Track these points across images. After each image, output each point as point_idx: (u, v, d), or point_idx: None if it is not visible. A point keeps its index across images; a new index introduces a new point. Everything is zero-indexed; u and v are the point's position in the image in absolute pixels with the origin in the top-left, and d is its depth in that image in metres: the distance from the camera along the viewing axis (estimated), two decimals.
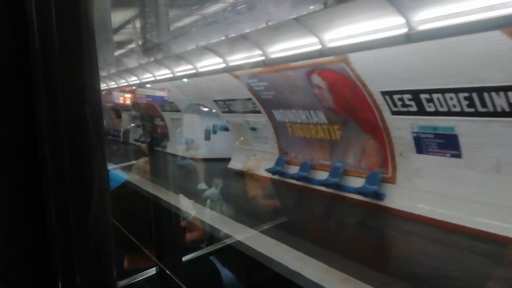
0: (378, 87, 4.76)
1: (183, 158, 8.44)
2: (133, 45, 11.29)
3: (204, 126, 10.76)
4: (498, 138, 4.04)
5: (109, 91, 11.87)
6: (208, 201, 4.07)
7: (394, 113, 4.89)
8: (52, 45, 0.50)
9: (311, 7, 3.79)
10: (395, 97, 4.69)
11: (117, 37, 13.49)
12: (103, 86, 12.99)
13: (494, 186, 4.19)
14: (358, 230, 4.98)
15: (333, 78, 5.20)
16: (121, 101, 11.31)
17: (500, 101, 3.77)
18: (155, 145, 12.36)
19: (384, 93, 4.77)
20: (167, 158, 11.01)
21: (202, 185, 5.13)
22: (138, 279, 1.19)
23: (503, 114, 3.84)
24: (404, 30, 3.22)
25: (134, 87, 9.53)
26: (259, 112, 7.35)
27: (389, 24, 3.32)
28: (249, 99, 7.20)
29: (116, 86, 12.51)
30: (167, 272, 1.11)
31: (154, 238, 1.20)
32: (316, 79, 5.44)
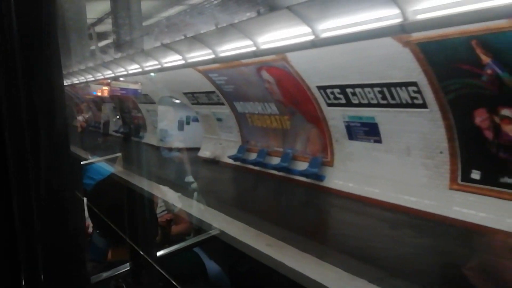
0: (314, 82, 5.49)
1: (170, 150, 8.93)
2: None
3: (177, 117, 11.39)
4: (407, 126, 4.81)
5: (87, 84, 12.42)
6: (195, 194, 3.80)
7: (328, 105, 5.64)
8: (12, 35, 0.48)
9: (247, 14, 4.48)
10: (328, 91, 5.43)
11: (101, 27, 13.77)
12: (81, 79, 13.40)
13: (405, 166, 4.98)
14: (298, 207, 5.74)
15: (279, 74, 5.91)
16: (99, 94, 11.88)
17: (404, 95, 4.54)
18: (132, 136, 12.97)
19: (319, 88, 5.51)
20: (144, 147, 11.69)
21: (189, 178, 5.63)
22: (118, 272, 1.16)
23: (407, 105, 4.61)
24: (311, 37, 3.94)
25: (109, 80, 10.08)
26: (222, 104, 8.04)
27: (300, 32, 4.03)
28: (213, 91, 7.88)
29: (93, 79, 12.89)
30: (143, 264, 1.09)
31: (129, 230, 1.18)
32: (265, 75, 6.15)
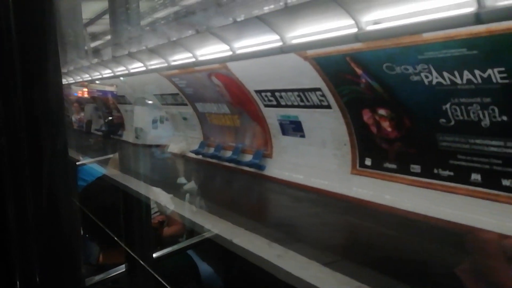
0: (252, 87, 6.56)
1: (163, 151, 9.68)
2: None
3: (152, 116, 12.38)
4: (320, 123, 5.90)
5: (68, 85, 13.38)
6: (187, 195, 4.13)
7: (265, 106, 6.70)
8: (10, 36, 0.47)
9: (189, 31, 5.53)
10: (263, 94, 6.50)
11: (95, 28, 14.52)
12: (72, 79, 14.24)
13: (322, 156, 6.07)
14: (242, 191, 6.82)
15: (225, 79, 6.97)
16: (80, 95, 12.82)
17: (314, 98, 5.63)
18: (112, 134, 13.93)
19: (256, 91, 6.58)
20: (123, 145, 12.72)
21: (181, 179, 5.52)
22: (111, 275, 1.16)
23: (318, 106, 5.70)
24: (229, 53, 5.02)
25: (86, 83, 11.07)
26: (186, 104, 9.08)
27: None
28: (177, 93, 8.91)
29: (80, 80, 13.81)
30: (137, 267, 1.08)
31: (124, 233, 1.16)
32: (215, 80, 7.20)
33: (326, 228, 4.00)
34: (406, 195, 4.81)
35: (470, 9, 2.44)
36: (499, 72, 3.51)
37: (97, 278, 1.17)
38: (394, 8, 3.08)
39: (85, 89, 11.93)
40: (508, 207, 3.95)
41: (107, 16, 10.54)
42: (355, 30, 3.28)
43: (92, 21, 13.78)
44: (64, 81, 14.13)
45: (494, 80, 3.59)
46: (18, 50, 0.50)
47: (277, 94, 6.20)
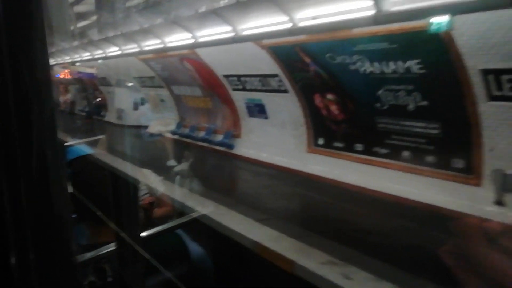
0: (220, 72, 7.05)
1: (151, 134, 10.14)
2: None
3: (132, 98, 12.78)
4: (280, 106, 6.45)
5: (52, 66, 13.49)
6: (178, 178, 4.21)
7: (233, 89, 7.21)
8: None
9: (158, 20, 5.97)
10: (230, 79, 7.00)
11: (82, 7, 14.51)
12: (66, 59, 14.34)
13: (282, 136, 6.65)
14: (212, 168, 7.40)
15: (195, 64, 7.43)
16: (62, 76, 13.12)
17: (273, 83, 6.16)
18: (95, 115, 14.32)
19: (224, 76, 7.07)
20: (105, 125, 13.17)
21: (171, 162, 5.63)
22: (101, 253, 1.19)
23: (278, 91, 6.23)
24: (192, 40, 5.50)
25: (67, 65, 11.39)
26: (163, 87, 9.52)
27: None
28: (154, 77, 9.35)
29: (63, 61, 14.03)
30: (127, 246, 1.10)
31: (113, 212, 1.18)
32: (187, 64, 7.66)
33: (273, 196, 4.61)
34: (350, 170, 5.43)
35: (372, 12, 2.97)
36: (416, 64, 4.09)
37: (89, 255, 1.18)
38: (317, 8, 3.60)
39: (67, 71, 12.23)
40: (430, 180, 4.60)
41: None
42: (290, 25, 3.79)
43: (79, 1, 13.82)
44: (59, 60, 14.33)
45: (413, 70, 4.17)
46: (5, 31, 0.50)
47: (242, 79, 6.71)
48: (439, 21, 2.81)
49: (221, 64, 6.82)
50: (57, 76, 12.66)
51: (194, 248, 1.64)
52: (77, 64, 10.87)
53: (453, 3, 2.67)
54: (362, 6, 3.00)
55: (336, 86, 5.18)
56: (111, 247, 1.21)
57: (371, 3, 2.85)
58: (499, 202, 3.64)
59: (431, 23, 2.86)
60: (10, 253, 0.52)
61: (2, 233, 0.51)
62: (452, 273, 0.73)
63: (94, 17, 11.11)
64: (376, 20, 2.98)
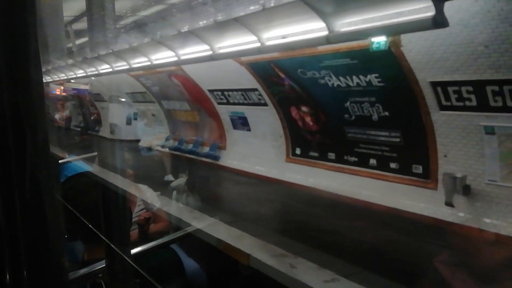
0: (205, 86, 7.45)
1: (149, 149, 10.08)
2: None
3: (126, 113, 13.16)
4: (261, 118, 6.83)
5: (47, 84, 14.06)
6: (174, 193, 4.25)
7: (218, 103, 7.60)
8: None
9: (145, 39, 6.39)
10: (215, 93, 7.40)
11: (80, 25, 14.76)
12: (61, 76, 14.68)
13: (263, 147, 7.00)
14: (199, 178, 7.73)
15: (183, 80, 7.84)
16: (57, 92, 13.52)
17: (254, 97, 6.56)
18: (90, 130, 14.69)
19: (209, 91, 7.47)
20: (100, 140, 13.53)
21: (168, 177, 5.86)
22: (94, 269, 1.21)
23: (258, 104, 6.62)
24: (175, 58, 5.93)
25: (62, 81, 11.81)
26: (153, 102, 9.92)
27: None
28: (145, 92, 9.75)
29: (59, 78, 14.42)
30: (119, 261, 1.10)
31: (103, 228, 1.17)
32: (175, 80, 8.07)
33: (246, 202, 4.94)
34: (323, 178, 5.77)
35: (324, 33, 3.37)
36: (376, 77, 4.49)
37: (81, 272, 1.19)
38: (282, 29, 4.02)
39: (62, 87, 12.65)
40: (395, 185, 4.94)
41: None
42: (258, 44, 4.20)
43: (76, 19, 14.11)
44: (45, 80, 14.75)
45: (373, 83, 4.57)
46: (2, 50, 0.51)
47: (226, 93, 7.11)
48: (379, 40, 3.21)
49: (206, 79, 7.23)
50: (53, 92, 13.07)
51: (189, 262, 1.64)
52: (72, 81, 11.30)
53: (388, 26, 3.07)
54: (319, 26, 3.39)
55: (309, 99, 5.57)
56: (103, 263, 1.20)
57: (323, 25, 3.25)
58: (450, 204, 3.97)
59: (372, 42, 3.25)
60: (4, 271, 0.52)
61: None
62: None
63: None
64: (328, 40, 3.38)
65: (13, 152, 0.53)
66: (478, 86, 3.66)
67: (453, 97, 3.99)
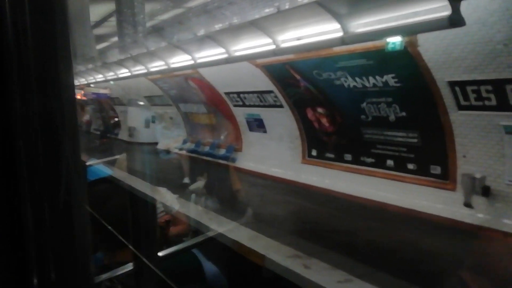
0: (221, 89, 7.53)
1: (167, 152, 9.86)
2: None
3: (144, 116, 13.40)
4: (277, 120, 6.86)
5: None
6: (193, 196, 4.33)
7: (234, 105, 7.67)
8: (26, 39, 0.50)
9: (162, 43, 6.51)
10: (231, 95, 7.47)
11: (100, 30, 15.21)
12: (81, 81, 15.15)
13: (280, 149, 7.02)
14: (216, 179, 7.79)
15: (199, 83, 7.94)
16: (78, 97, 13.84)
17: (270, 98, 6.59)
18: (109, 133, 15.01)
19: (225, 93, 7.55)
20: (119, 143, 13.80)
21: (186, 179, 5.93)
22: (117, 274, 1.20)
23: (274, 106, 6.65)
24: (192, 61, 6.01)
25: (83, 86, 12.11)
26: (171, 105, 10.07)
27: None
28: (162, 95, 9.91)
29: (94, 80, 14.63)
30: (144, 266, 1.10)
31: (131, 233, 1.18)
32: (191, 83, 8.18)
33: (261, 203, 4.96)
34: (339, 179, 5.76)
35: (339, 34, 3.38)
36: (392, 78, 4.46)
37: (104, 276, 1.21)
38: (296, 31, 4.04)
39: (82, 92, 12.96)
40: (411, 186, 4.89)
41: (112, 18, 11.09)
42: (273, 46, 4.24)
43: (98, 23, 14.42)
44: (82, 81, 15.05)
45: (390, 84, 4.54)
46: (33, 52, 0.52)
47: (241, 95, 7.17)
48: (394, 40, 3.20)
49: (222, 82, 7.30)
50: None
51: (209, 267, 1.62)
52: (91, 85, 11.58)
53: (403, 26, 3.06)
54: (334, 28, 3.41)
55: (325, 100, 5.57)
56: (128, 267, 1.21)
57: (338, 26, 3.26)
58: (468, 205, 3.91)
59: (388, 42, 3.24)
60: (32, 273, 0.55)
61: (25, 254, 0.54)
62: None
63: (113, 39, 11.70)
64: (343, 41, 3.39)
65: (44, 158, 0.53)
66: (498, 85, 3.60)
67: (471, 96, 3.94)
